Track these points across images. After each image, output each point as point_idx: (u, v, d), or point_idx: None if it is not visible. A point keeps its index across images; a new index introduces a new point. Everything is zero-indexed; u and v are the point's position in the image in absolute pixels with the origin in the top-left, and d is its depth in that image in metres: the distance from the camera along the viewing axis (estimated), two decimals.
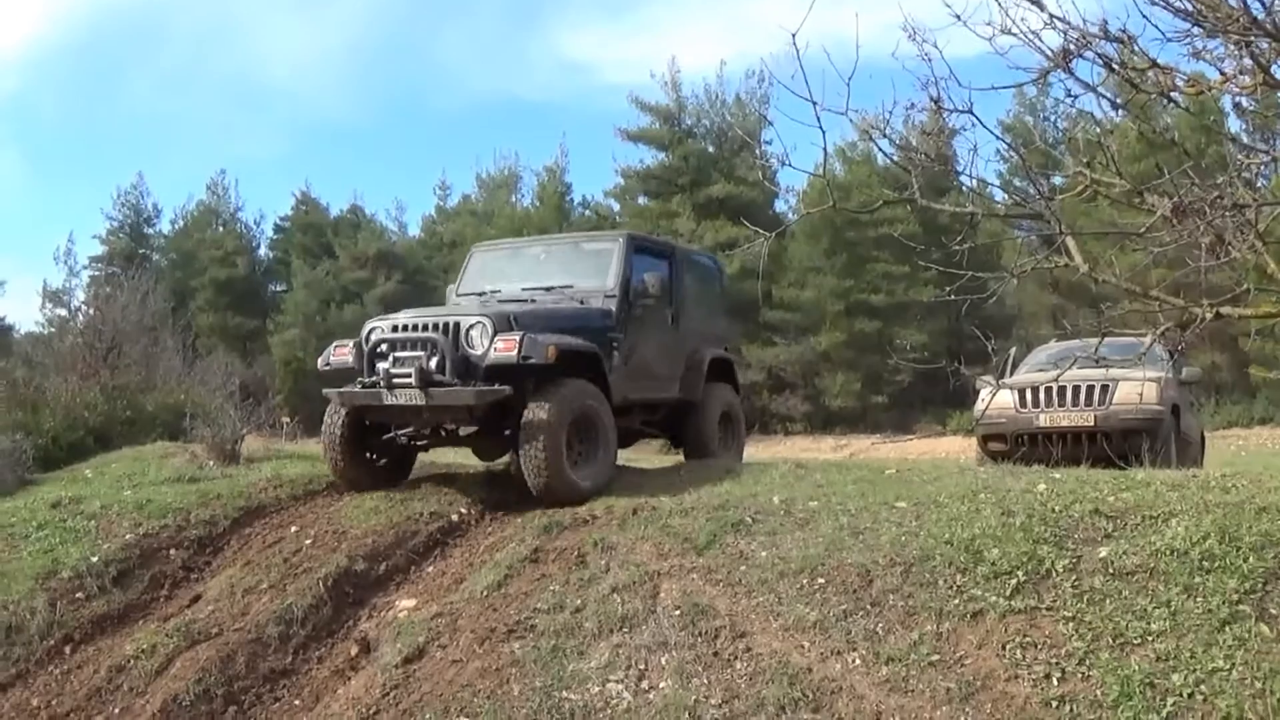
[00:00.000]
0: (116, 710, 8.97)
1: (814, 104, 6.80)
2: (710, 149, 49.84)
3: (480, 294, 13.79)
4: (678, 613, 8.27)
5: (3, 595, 10.19)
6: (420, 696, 8.08)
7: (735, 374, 15.83)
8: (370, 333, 12.02)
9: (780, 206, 49.37)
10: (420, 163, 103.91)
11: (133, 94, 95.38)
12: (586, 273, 13.43)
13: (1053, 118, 43.88)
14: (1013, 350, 18.23)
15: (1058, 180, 8.10)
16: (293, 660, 9.35)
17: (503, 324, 11.38)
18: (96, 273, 59.30)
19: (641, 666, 7.79)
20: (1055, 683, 7.03)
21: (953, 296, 8.02)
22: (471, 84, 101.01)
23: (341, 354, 12.22)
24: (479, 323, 11.45)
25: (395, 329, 11.87)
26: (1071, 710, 6.81)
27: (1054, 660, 7.21)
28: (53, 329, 42.66)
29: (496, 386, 11.18)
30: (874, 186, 35.28)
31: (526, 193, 59.51)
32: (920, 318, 43.80)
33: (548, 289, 13.29)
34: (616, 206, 54.97)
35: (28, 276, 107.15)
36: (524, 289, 13.46)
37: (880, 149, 8.22)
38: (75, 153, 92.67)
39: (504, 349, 11.08)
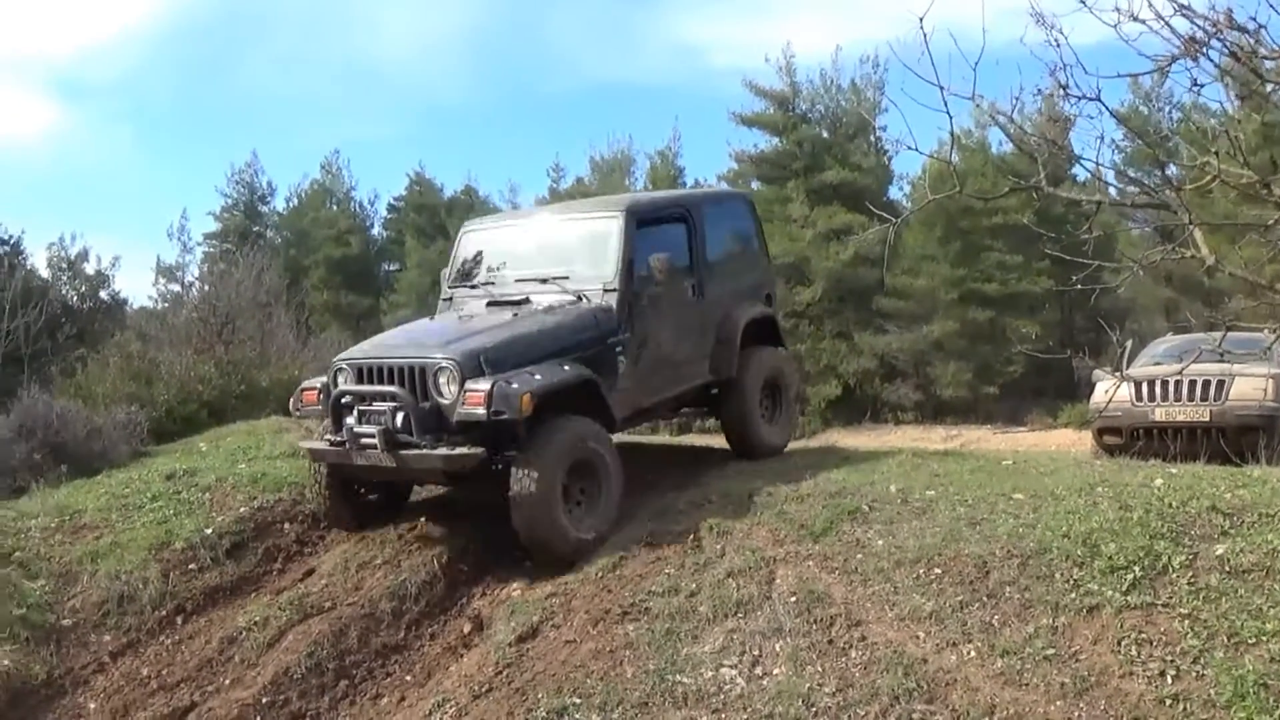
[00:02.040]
0: (227, 681, 9.12)
1: (941, 88, 6.79)
2: (824, 134, 49.49)
3: (471, 284, 12.47)
4: (793, 599, 8.26)
5: (116, 565, 10.38)
6: (533, 676, 8.12)
7: (779, 330, 14.17)
8: (336, 375, 10.69)
9: (895, 193, 49.21)
10: (533, 145, 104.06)
11: (247, 74, 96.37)
12: (584, 258, 11.85)
13: (1166, 108, 43.26)
14: (1128, 343, 18.05)
15: (1173, 171, 8.03)
16: (405, 636, 9.49)
17: (471, 367, 9.95)
18: (210, 249, 59.77)
19: (755, 652, 7.79)
20: (1169, 681, 6.99)
21: (1079, 286, 7.99)
22: (584, 67, 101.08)
23: (310, 399, 10.98)
24: (444, 368, 9.99)
25: (360, 375, 10.49)
26: (1185, 709, 6.77)
27: (1168, 658, 7.16)
28: (166, 304, 43.21)
29: (467, 451, 9.81)
30: (989, 175, 35.00)
31: (640, 176, 59.45)
32: (1033, 308, 43.38)
33: (542, 279, 11.73)
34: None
35: (140, 252, 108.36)
36: (517, 280, 12.07)
37: (1006, 135, 8.18)
38: (189, 131, 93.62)
39: (472, 403, 9.67)
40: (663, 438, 22.62)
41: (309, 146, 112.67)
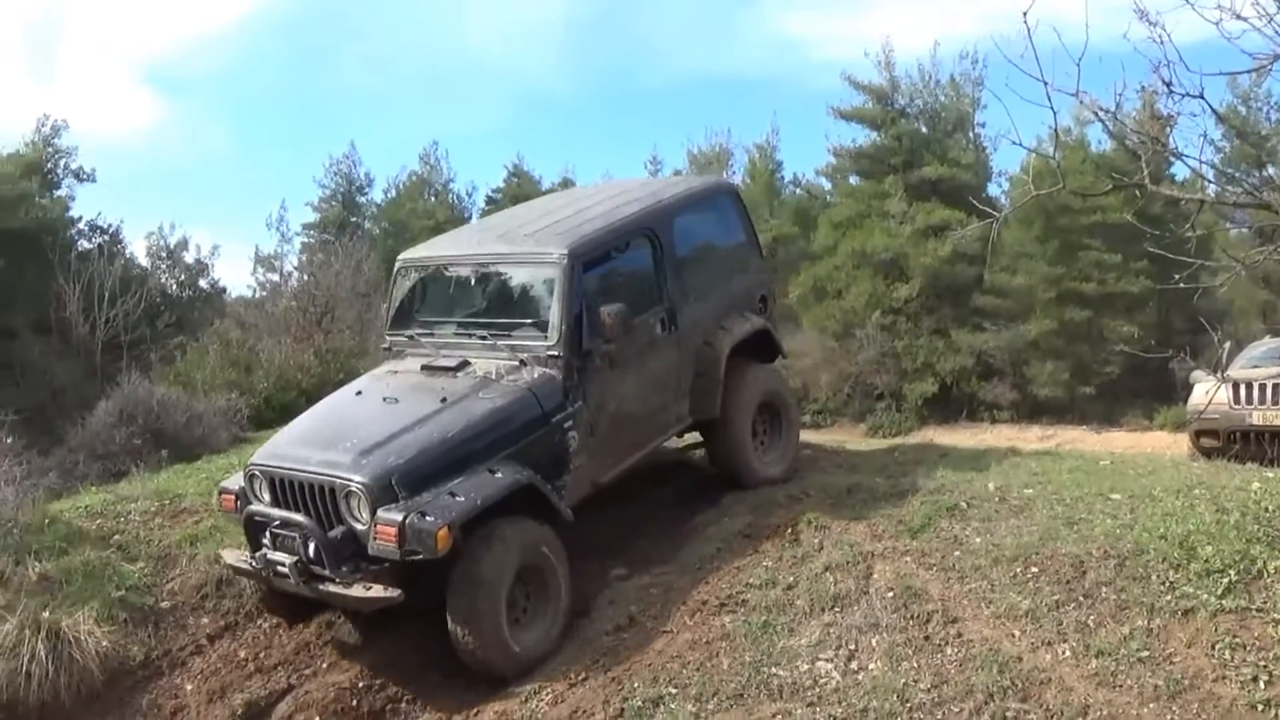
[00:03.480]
0: (324, 665, 9.29)
1: (1044, 83, 6.84)
2: (923, 129, 49.18)
3: (409, 333, 11.03)
4: (890, 594, 8.30)
5: (215, 549, 10.44)
6: (629, 665, 8.19)
7: (775, 340, 12.37)
8: (251, 481, 9.51)
9: (993, 190, 48.85)
10: (631, 137, 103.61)
11: (344, 67, 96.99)
12: (526, 309, 10.38)
13: (1264, 109, 42.72)
14: (1226, 345, 17.91)
15: (1272, 171, 8.04)
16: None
17: (382, 490, 8.64)
18: (309, 239, 60.21)
19: (851, 647, 7.82)
20: (1262, 685, 6.99)
21: (1180, 285, 7.99)
22: (682, 59, 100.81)
23: (228, 506, 9.82)
24: (353, 492, 8.72)
25: (273, 486, 9.26)
26: (1277, 715, 6.78)
27: (1262, 663, 7.15)
28: (264, 293, 43.56)
29: (383, 594, 8.59)
30: (1088, 173, 34.72)
31: (738, 169, 59.34)
32: (1130, 309, 42.93)
33: (482, 337, 10.32)
34: (828, 185, 54.57)
35: (239, 242, 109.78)
36: (456, 333, 10.71)
37: (1108, 131, 8.21)
38: (286, 123, 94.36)
39: (384, 538, 8.46)
40: None
41: (406, 139, 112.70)
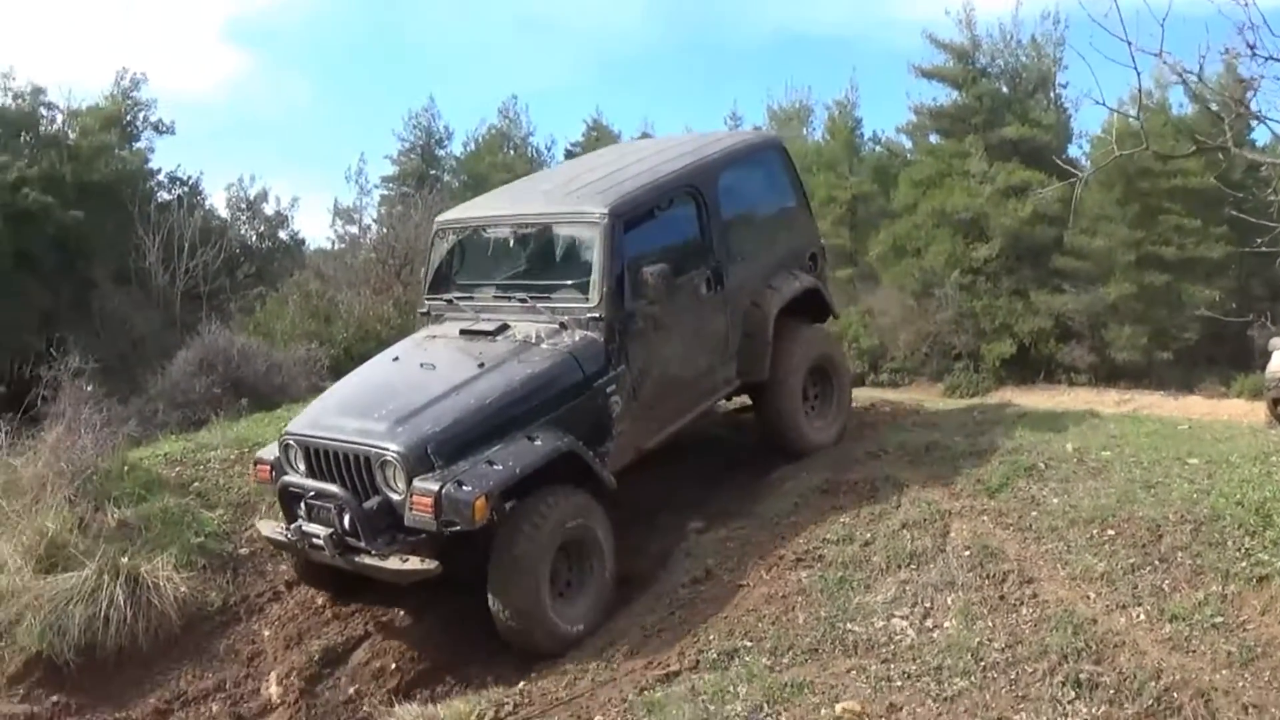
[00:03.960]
0: (402, 612, 9.50)
1: (1128, 44, 6.84)
2: (1004, 89, 48.83)
3: (448, 296, 10.70)
4: (966, 553, 8.30)
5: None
6: (705, 618, 8.22)
7: (826, 300, 11.96)
8: (286, 452, 9.31)
9: (1074, 151, 48.41)
10: (711, 93, 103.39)
11: (424, 21, 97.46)
12: (567, 270, 10.01)
13: None
14: None
15: None
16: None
17: (418, 459, 8.41)
18: (388, 192, 60.57)
19: (927, 604, 7.82)
20: None
21: (1263, 249, 7.97)
22: (763, 15, 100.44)
23: (264, 477, 9.63)
24: (388, 461, 8.50)
25: (308, 456, 9.06)
26: None
27: None
28: (343, 245, 43.93)
29: (419, 566, 8.43)
30: (1169, 136, 34.38)
31: (818, 126, 59.12)
32: (1210, 274, 42.54)
33: (523, 299, 10.04)
34: (909, 143, 54.29)
35: (317, 194, 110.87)
36: (496, 296, 10.40)
37: (1191, 94, 8.20)
38: (366, 77, 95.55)
39: (420, 508, 8.23)
40: None
41: (485, 93, 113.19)
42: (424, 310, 11.06)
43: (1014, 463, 9.77)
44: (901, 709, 6.67)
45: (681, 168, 10.70)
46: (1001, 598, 7.78)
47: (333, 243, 49.33)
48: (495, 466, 8.41)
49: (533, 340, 9.62)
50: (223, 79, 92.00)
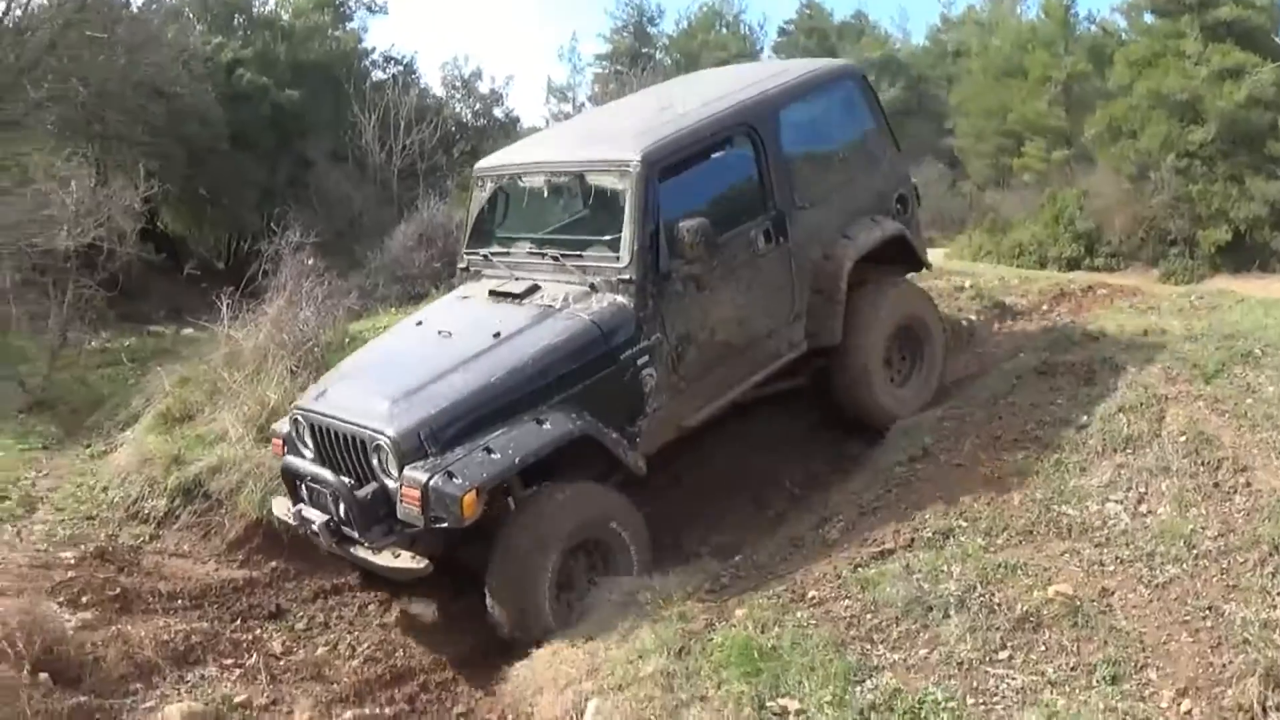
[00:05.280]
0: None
1: None
2: None
3: (485, 251, 9.83)
4: (1182, 439, 8.20)
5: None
6: (920, 497, 8.28)
7: (915, 249, 10.68)
8: (295, 427, 8.71)
9: None
10: None
11: None
12: (599, 225, 9.06)
13: None
14: None
15: None
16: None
17: (410, 445, 7.65)
18: (600, 70, 60.98)
19: (1141, 489, 7.80)
20: None
21: None
22: None
23: (277, 450, 9.01)
24: (379, 445, 7.76)
25: (313, 434, 8.43)
26: None
27: None
28: (557, 123, 44.36)
29: (410, 565, 7.75)
30: None
31: (1032, 3, 57.91)
32: None
33: (555, 256, 9.10)
34: (1123, 23, 52.82)
35: (531, 73, 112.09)
36: (530, 251, 9.42)
37: None
38: None
39: (409, 500, 7.47)
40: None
41: None
42: (463, 266, 10.18)
43: (1230, 349, 9.60)
44: (1113, 593, 6.74)
45: (734, 105, 9.51)
46: (1215, 485, 7.72)
47: (547, 121, 49.78)
48: (493, 455, 7.52)
49: (557, 306, 8.68)
50: None
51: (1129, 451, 8.26)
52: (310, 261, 13.95)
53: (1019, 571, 7.01)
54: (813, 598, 7.10)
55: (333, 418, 8.21)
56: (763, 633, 6.65)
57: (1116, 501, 7.73)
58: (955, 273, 14.03)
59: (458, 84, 40.20)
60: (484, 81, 40.70)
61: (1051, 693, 5.87)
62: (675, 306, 8.70)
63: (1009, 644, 6.33)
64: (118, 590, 8.61)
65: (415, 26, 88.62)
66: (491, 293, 9.27)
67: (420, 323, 9.67)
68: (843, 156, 10.25)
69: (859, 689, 6.03)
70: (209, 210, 32.82)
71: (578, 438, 7.89)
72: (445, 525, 7.34)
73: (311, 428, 8.42)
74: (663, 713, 6.07)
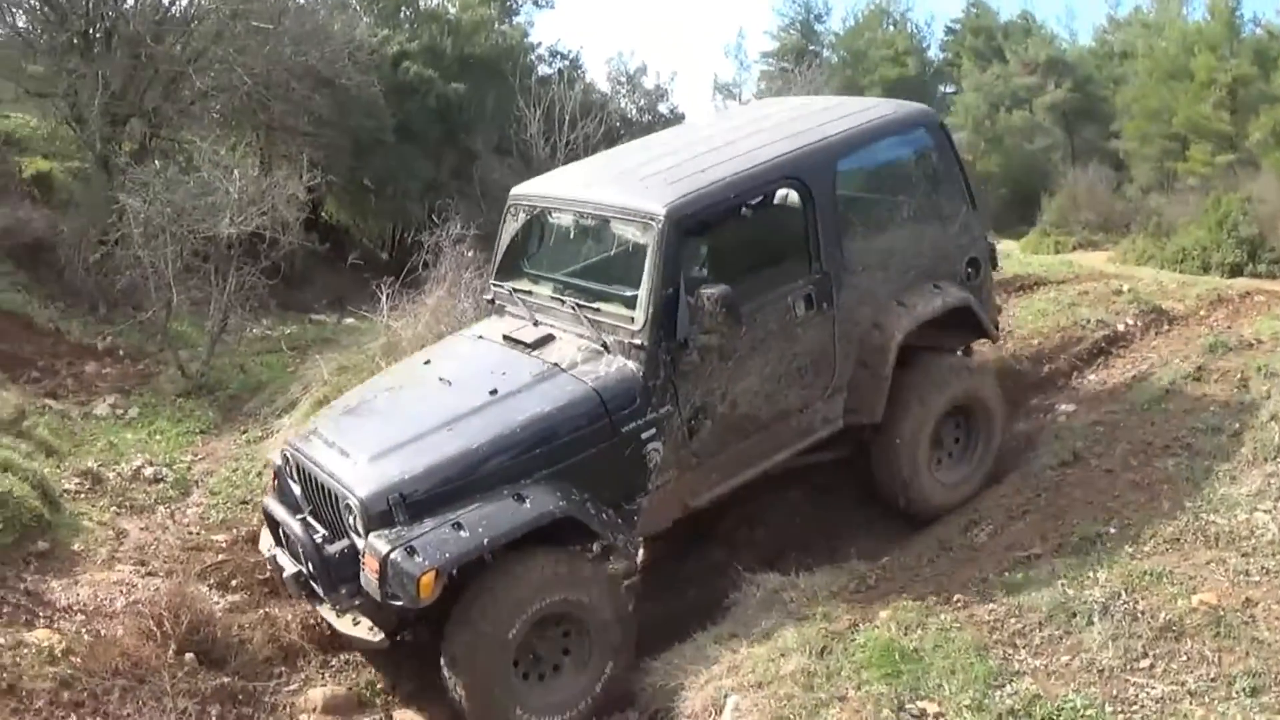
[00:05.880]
0: None
1: None
2: None
3: (510, 285, 9.12)
4: None
5: None
6: (1070, 502, 8.28)
7: (981, 319, 9.48)
8: (285, 464, 8.32)
9: None
10: None
11: None
12: (620, 278, 8.25)
13: None
14: None
15: None
16: None
17: (377, 511, 7.09)
18: (767, 68, 61.25)
19: None
20: None
21: None
22: None
23: (271, 484, 8.62)
24: (349, 505, 7.25)
25: (296, 474, 8.12)
26: None
27: None
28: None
29: (366, 637, 7.25)
30: None
31: (1198, 6, 57.11)
32: None
33: (577, 304, 8.27)
34: None
35: (697, 70, 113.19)
36: (553, 295, 8.71)
37: None
38: None
39: (370, 569, 6.91)
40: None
41: None
42: (489, 298, 9.56)
43: None
44: (1257, 604, 6.64)
45: (783, 154, 8.48)
46: None
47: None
48: (461, 533, 6.89)
49: (563, 366, 7.98)
50: None
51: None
52: (470, 254, 14.17)
53: (1164, 579, 6.95)
54: (957, 601, 7.13)
55: (314, 463, 7.78)
56: (906, 634, 6.71)
57: (1265, 511, 7.60)
58: (1114, 276, 13.88)
59: (622, 79, 40.43)
60: (649, 77, 40.93)
61: (1191, 703, 5.85)
62: (691, 376, 7.91)
63: (1150, 652, 6.29)
64: (267, 574, 8.91)
65: (581, 22, 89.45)
66: (505, 337, 8.64)
67: (428, 362, 9.03)
68: (908, 213, 9.16)
69: (998, 694, 6.06)
70: (373, 201, 33.24)
71: (560, 519, 7.20)
72: (400, 604, 6.82)
73: (298, 468, 8.05)
74: (801, 711, 6.14)
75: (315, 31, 26.33)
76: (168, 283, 15.22)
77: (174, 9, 23.82)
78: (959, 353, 9.74)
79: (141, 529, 10.21)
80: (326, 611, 7.50)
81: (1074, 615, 6.67)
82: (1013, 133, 53.49)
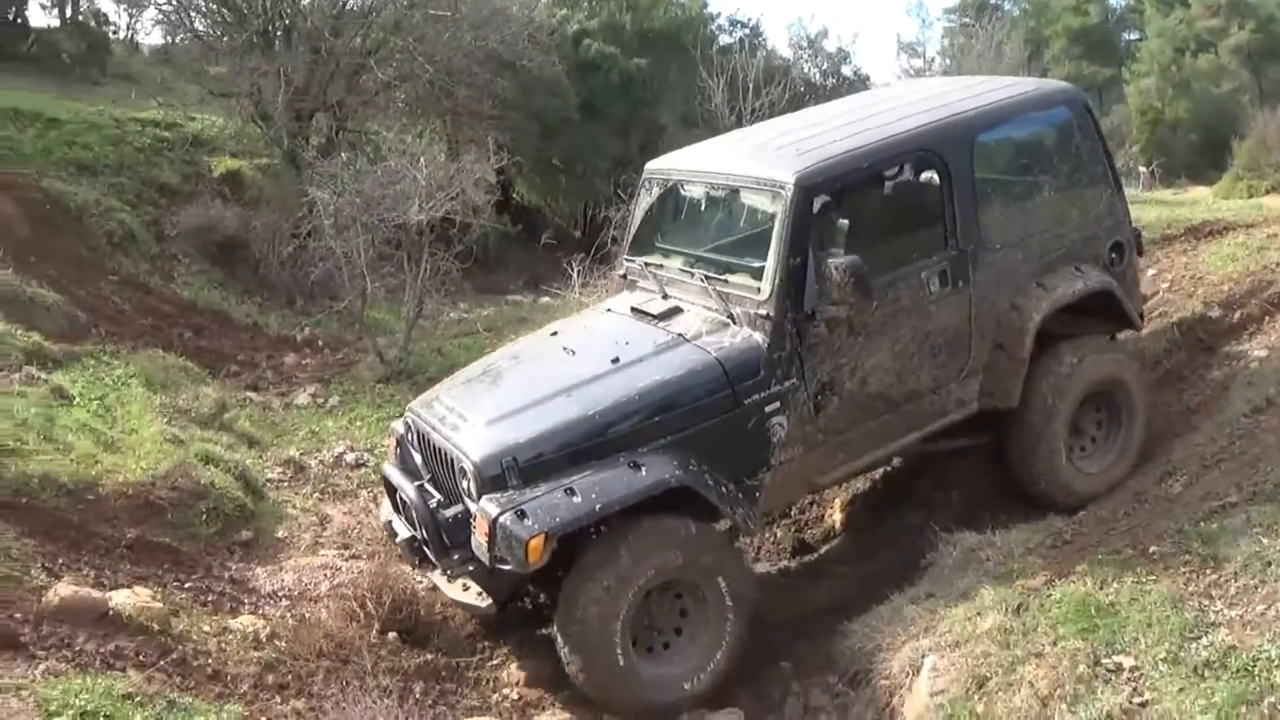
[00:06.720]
0: None
1: None
2: None
3: (642, 260, 9.08)
4: None
5: None
6: (1263, 449, 8.00)
7: (1123, 305, 9.20)
8: (407, 430, 8.61)
9: None
10: None
11: None
12: (749, 250, 8.15)
13: None
14: None
15: None
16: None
17: (491, 475, 7.15)
18: (950, 24, 60.62)
19: None
20: None
21: None
22: None
23: (391, 448, 8.96)
24: (464, 469, 7.36)
25: (416, 439, 8.35)
26: None
27: None
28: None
29: (474, 602, 7.45)
30: None
31: None
32: None
33: (706, 276, 8.22)
34: None
35: (878, 30, 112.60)
36: (682, 268, 8.69)
37: None
38: None
39: (480, 533, 6.95)
40: None
41: None
42: (621, 273, 9.59)
43: None
44: None
45: (919, 126, 8.42)
46: None
47: (900, 77, 49.69)
48: (573, 498, 6.88)
49: (689, 336, 7.96)
50: None
51: None
52: None
53: None
54: (1153, 553, 7.05)
55: (432, 428, 7.94)
56: (1101, 589, 6.70)
57: None
58: None
59: (804, 44, 40.43)
60: (830, 40, 40.98)
61: None
62: (819, 349, 7.81)
63: None
64: None
65: None
66: (633, 309, 8.65)
67: (555, 333, 9.10)
68: (1048, 192, 8.98)
69: (1194, 645, 6.02)
70: (563, 180, 33.70)
71: (675, 488, 7.15)
72: (508, 568, 6.86)
73: (419, 434, 8.22)
74: (998, 669, 6.24)
75: (494, 15, 26.67)
76: (361, 272, 15.60)
77: (351, 3, 24.36)
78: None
79: (344, 514, 10.64)
80: (437, 577, 7.67)
81: (1269, 564, 6.54)
82: (1199, 77, 52.15)
